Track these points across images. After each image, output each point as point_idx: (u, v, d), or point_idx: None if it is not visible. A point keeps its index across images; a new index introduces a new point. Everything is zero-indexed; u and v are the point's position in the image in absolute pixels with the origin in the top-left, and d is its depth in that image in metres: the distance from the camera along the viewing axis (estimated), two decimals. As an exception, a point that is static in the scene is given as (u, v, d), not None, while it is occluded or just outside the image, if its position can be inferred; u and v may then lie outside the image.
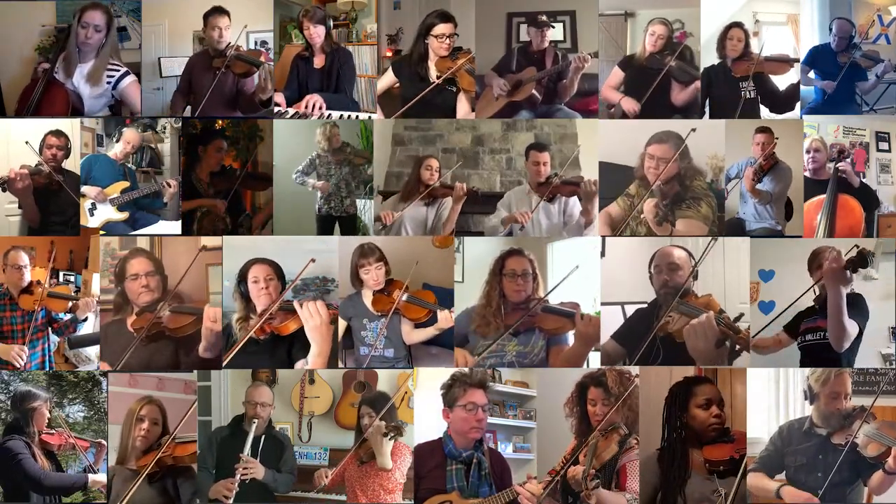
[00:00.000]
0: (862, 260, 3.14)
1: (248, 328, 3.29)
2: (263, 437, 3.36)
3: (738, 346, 3.22)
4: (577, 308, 3.26)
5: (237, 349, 3.26)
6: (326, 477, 3.28)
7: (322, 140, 3.70)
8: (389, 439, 3.25)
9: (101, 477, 3.34)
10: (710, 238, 3.35)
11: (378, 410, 3.29)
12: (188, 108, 3.57)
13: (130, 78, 3.57)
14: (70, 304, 3.43)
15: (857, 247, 3.19)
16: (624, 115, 3.57)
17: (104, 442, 3.39)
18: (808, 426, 3.21)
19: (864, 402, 3.17)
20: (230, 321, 3.37)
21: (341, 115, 3.60)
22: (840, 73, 3.58)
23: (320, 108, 3.57)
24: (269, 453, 3.34)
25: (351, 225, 3.73)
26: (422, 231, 3.60)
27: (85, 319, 3.45)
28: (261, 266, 3.36)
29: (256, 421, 3.31)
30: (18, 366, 3.36)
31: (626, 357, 3.31)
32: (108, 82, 3.56)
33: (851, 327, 3.21)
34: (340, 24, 3.89)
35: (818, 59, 3.61)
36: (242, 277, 3.36)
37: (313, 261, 3.36)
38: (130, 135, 3.59)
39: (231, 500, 3.20)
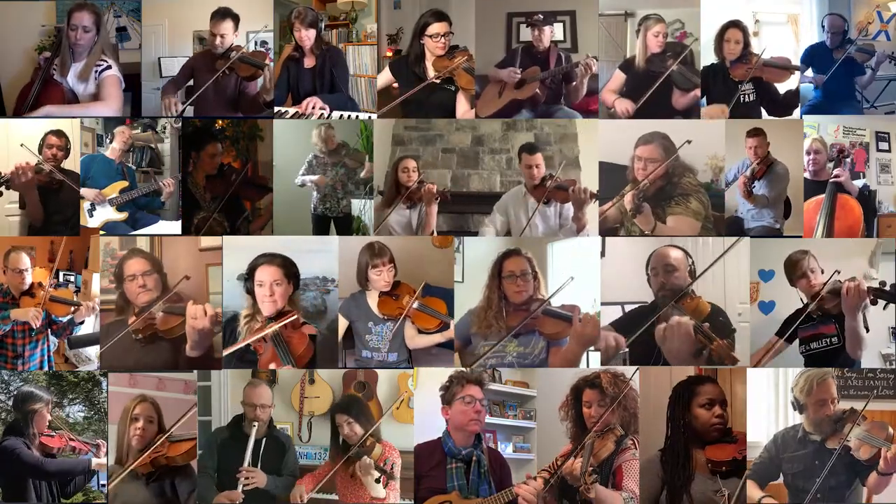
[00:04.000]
0: (893, 297, 3.22)
1: (252, 330, 3.24)
2: (265, 439, 3.32)
3: (714, 357, 3.20)
4: (576, 311, 3.25)
5: (236, 348, 3.22)
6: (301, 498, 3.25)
7: (318, 142, 3.69)
8: (377, 482, 3.21)
9: (105, 460, 3.34)
10: (710, 238, 3.37)
11: (354, 414, 3.26)
12: (190, 108, 3.56)
13: (112, 70, 3.56)
14: (72, 308, 3.43)
15: (882, 282, 3.27)
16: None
17: (102, 442, 3.38)
18: (801, 434, 3.22)
19: (863, 404, 3.19)
20: (238, 315, 3.32)
21: (341, 115, 3.59)
22: (833, 68, 3.58)
23: (321, 109, 3.57)
24: (270, 455, 3.31)
25: (346, 225, 3.72)
26: (408, 233, 3.58)
27: (82, 322, 3.46)
28: (268, 268, 3.26)
29: (257, 424, 3.25)
30: (35, 326, 3.35)
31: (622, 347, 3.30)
32: (95, 78, 3.56)
33: (866, 336, 3.24)
34: (340, 24, 3.89)
35: (815, 57, 3.61)
36: (250, 275, 3.29)
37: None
38: (121, 128, 3.57)
39: None
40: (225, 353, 3.28)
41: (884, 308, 3.29)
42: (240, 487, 3.18)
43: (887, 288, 3.26)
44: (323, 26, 3.68)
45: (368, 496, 3.24)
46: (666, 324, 3.17)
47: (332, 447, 3.34)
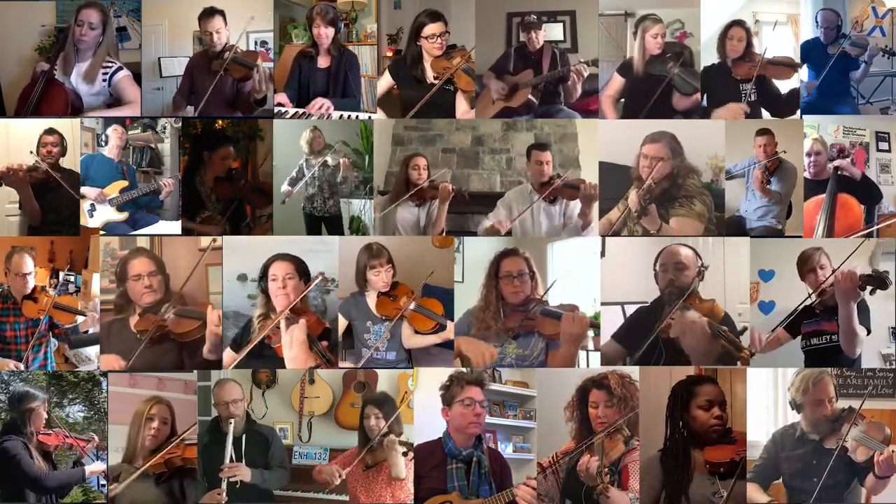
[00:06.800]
0: (881, 282, 3.20)
1: (265, 327, 3.25)
2: (245, 434, 3.32)
3: (739, 362, 3.24)
4: (574, 310, 3.26)
5: (249, 349, 3.23)
6: (341, 476, 3.25)
7: (304, 146, 3.67)
8: (405, 455, 3.25)
9: (99, 466, 3.34)
10: (710, 238, 3.37)
11: (385, 412, 3.29)
12: (190, 108, 3.56)
13: (123, 72, 3.57)
14: (76, 317, 3.41)
15: (876, 270, 3.26)
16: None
17: (95, 437, 3.38)
18: (799, 433, 3.22)
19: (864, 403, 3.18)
20: (251, 317, 3.33)
21: (341, 115, 3.59)
22: (829, 64, 3.57)
23: (328, 109, 3.55)
24: (253, 449, 3.31)
25: (337, 225, 3.71)
26: (415, 232, 3.59)
27: (87, 332, 3.45)
28: (281, 263, 3.30)
29: (233, 421, 3.26)
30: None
31: (627, 356, 3.31)
32: (104, 80, 3.56)
33: (862, 332, 3.24)
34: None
35: (810, 53, 3.60)
36: (264, 273, 3.31)
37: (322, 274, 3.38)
38: (114, 126, 3.56)
39: None
40: (241, 353, 3.26)
41: (870, 293, 3.27)
42: (223, 484, 3.18)
43: (873, 273, 3.26)
44: (341, 25, 3.67)
45: (385, 482, 3.26)
46: (678, 318, 3.15)
47: (361, 435, 3.35)
